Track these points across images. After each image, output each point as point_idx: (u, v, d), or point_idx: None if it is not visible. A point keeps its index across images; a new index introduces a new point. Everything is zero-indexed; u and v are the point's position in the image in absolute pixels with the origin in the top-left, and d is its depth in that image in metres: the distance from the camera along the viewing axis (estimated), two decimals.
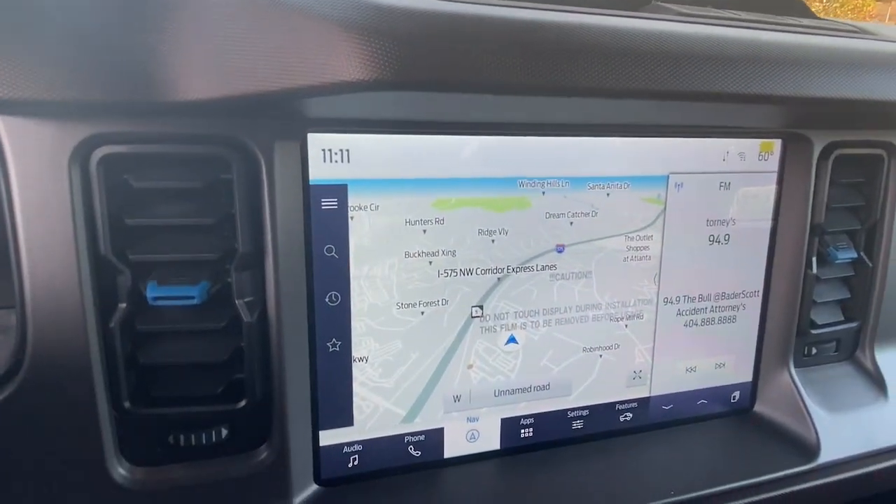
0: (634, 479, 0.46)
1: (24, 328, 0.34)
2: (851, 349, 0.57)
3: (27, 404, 0.34)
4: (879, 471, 0.50)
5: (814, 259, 0.52)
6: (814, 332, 0.53)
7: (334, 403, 0.41)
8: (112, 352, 0.35)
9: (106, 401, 0.35)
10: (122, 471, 0.36)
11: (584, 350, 0.47)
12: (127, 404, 0.36)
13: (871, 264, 0.54)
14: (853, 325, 0.55)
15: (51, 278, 0.33)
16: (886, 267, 0.55)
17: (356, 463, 0.43)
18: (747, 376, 0.54)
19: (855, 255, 0.53)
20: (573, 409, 0.48)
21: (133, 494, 0.36)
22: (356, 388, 0.42)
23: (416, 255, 0.41)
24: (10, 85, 0.29)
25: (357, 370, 0.41)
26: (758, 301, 0.52)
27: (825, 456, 0.49)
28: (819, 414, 0.51)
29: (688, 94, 0.35)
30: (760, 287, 0.52)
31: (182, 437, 0.38)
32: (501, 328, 0.44)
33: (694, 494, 0.45)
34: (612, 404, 0.49)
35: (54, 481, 0.35)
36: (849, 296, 0.55)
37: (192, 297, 0.35)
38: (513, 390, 0.46)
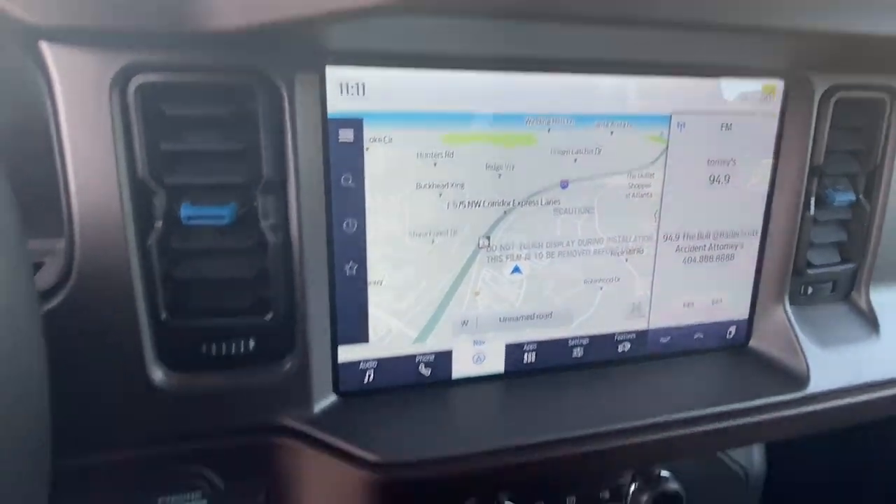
0: (632, 402, 0.49)
1: (71, 244, 0.37)
2: (847, 290, 0.59)
3: (75, 313, 0.38)
4: (866, 402, 0.53)
5: (812, 200, 0.53)
6: (810, 272, 0.55)
7: (351, 322, 0.45)
8: (150, 268, 0.39)
9: (145, 312, 0.39)
10: (160, 374, 0.40)
11: (586, 282, 0.50)
12: (164, 315, 0.40)
13: (869, 208, 0.56)
14: (850, 266, 0.57)
15: (95, 198, 0.37)
16: (885, 211, 0.56)
17: (371, 378, 0.47)
18: (743, 313, 0.56)
19: (853, 198, 0.55)
20: (574, 338, 0.51)
21: (170, 396, 0.40)
22: (371, 309, 0.45)
23: (427, 186, 0.44)
24: (56, 11, 0.32)
25: (372, 292, 0.45)
26: (756, 240, 0.54)
27: (814, 386, 0.52)
28: (811, 348, 0.54)
29: (690, 22, 0.36)
30: (759, 227, 0.54)
31: (214, 347, 0.42)
32: (507, 258, 0.47)
33: (686, 415, 0.48)
34: (612, 335, 0.52)
35: (100, 382, 0.39)
36: (846, 238, 0.57)
37: (223, 217, 0.38)
38: (517, 317, 0.49)
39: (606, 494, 0.51)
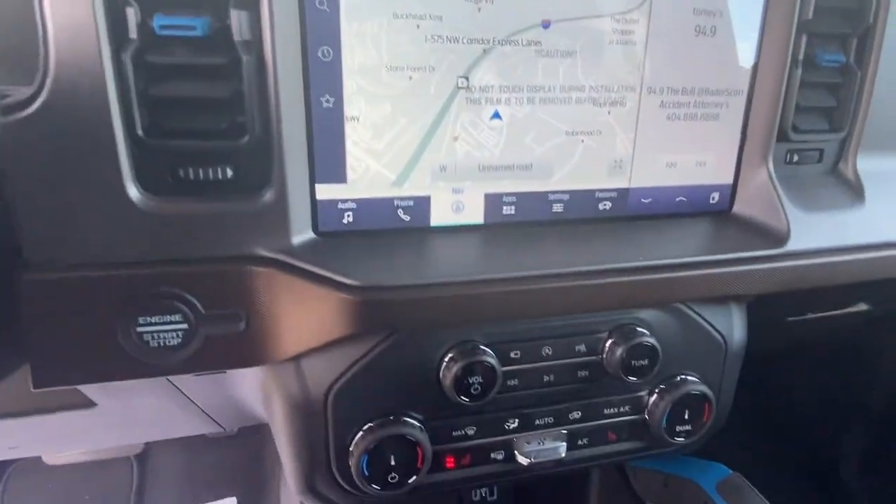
0: (611, 252, 0.50)
1: (46, 55, 0.37)
2: (835, 160, 0.59)
3: (50, 123, 0.38)
4: (845, 263, 0.53)
5: (800, 58, 0.53)
6: (795, 136, 0.55)
7: (329, 158, 0.45)
8: (125, 81, 0.39)
9: (121, 126, 0.39)
10: (137, 194, 0.41)
11: (567, 133, 0.50)
12: (140, 133, 0.40)
13: (859, 73, 0.55)
14: (838, 134, 0.57)
15: (69, 9, 0.37)
16: (875, 75, 0.55)
17: (350, 220, 0.47)
18: (727, 178, 0.56)
19: (843, 60, 0.54)
20: (554, 192, 0.51)
21: (147, 217, 0.41)
22: (349, 146, 0.45)
23: (405, 17, 0.43)
24: None
25: (349, 128, 0.45)
26: (742, 100, 0.54)
27: (793, 245, 0.52)
28: (793, 211, 0.54)
29: None
30: (745, 86, 0.53)
31: (192, 172, 0.42)
32: (486, 102, 0.47)
33: (663, 261, 0.48)
34: (592, 191, 0.53)
35: (78, 196, 0.39)
36: (835, 104, 0.56)
37: (195, 28, 0.38)
38: (496, 167, 0.49)
39: (583, 348, 0.52)
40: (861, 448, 1.10)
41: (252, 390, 0.59)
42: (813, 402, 1.14)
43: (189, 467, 1.21)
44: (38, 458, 1.17)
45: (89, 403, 0.61)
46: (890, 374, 1.02)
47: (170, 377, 0.60)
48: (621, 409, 0.56)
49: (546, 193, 0.51)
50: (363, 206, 0.47)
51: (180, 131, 0.41)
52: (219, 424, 0.77)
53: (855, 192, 0.57)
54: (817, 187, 0.57)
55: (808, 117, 0.55)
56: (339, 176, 0.46)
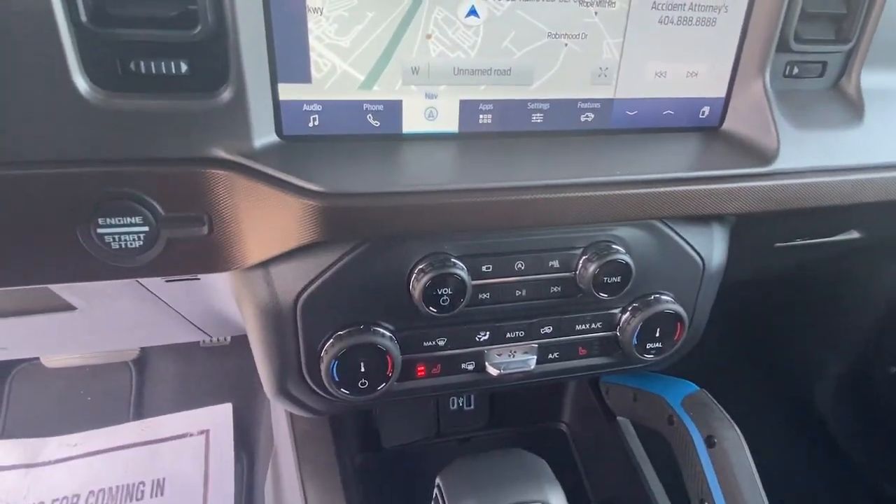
0: (591, 166, 0.48)
1: None
2: (837, 75, 0.55)
3: None
4: (833, 184, 0.51)
5: None
6: (798, 47, 0.51)
7: (290, 55, 0.42)
8: None
9: (63, 13, 0.37)
10: (86, 86, 0.39)
11: (549, 35, 0.47)
12: (84, 19, 0.37)
13: None
14: (844, 46, 0.53)
15: None
16: None
17: (316, 123, 0.45)
18: (719, 92, 0.53)
19: None
20: (533, 101, 0.49)
21: (99, 111, 0.39)
22: (312, 42, 0.42)
23: None
24: None
25: (312, 22, 0.42)
26: (743, 5, 0.49)
27: (781, 163, 0.50)
28: (785, 128, 0.51)
29: None
30: None
31: (143, 65, 0.40)
32: None
33: (643, 176, 0.47)
34: (574, 101, 0.50)
35: (23, 88, 0.37)
36: (845, 11, 0.52)
37: None
38: (472, 70, 0.46)
39: (556, 263, 0.51)
40: (836, 379, 1.13)
41: (229, 299, 0.60)
42: (792, 331, 1.16)
43: (185, 375, 1.26)
44: (39, 362, 1.21)
45: (69, 307, 0.62)
46: (873, 305, 1.03)
47: (145, 284, 0.61)
48: (593, 326, 0.56)
49: (525, 102, 0.49)
50: (330, 108, 0.45)
51: (127, 19, 0.38)
52: (204, 332, 0.79)
53: (855, 109, 0.54)
54: (815, 104, 0.54)
55: (813, 25, 0.51)
56: (302, 75, 0.43)
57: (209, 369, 1.26)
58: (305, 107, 0.44)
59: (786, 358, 1.21)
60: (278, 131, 0.44)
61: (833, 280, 1.05)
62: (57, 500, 1.12)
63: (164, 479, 1.15)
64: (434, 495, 0.48)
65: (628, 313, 0.55)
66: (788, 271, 0.93)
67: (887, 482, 1.08)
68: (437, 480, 0.48)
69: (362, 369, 0.49)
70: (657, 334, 0.55)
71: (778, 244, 0.71)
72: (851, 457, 1.12)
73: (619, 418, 0.77)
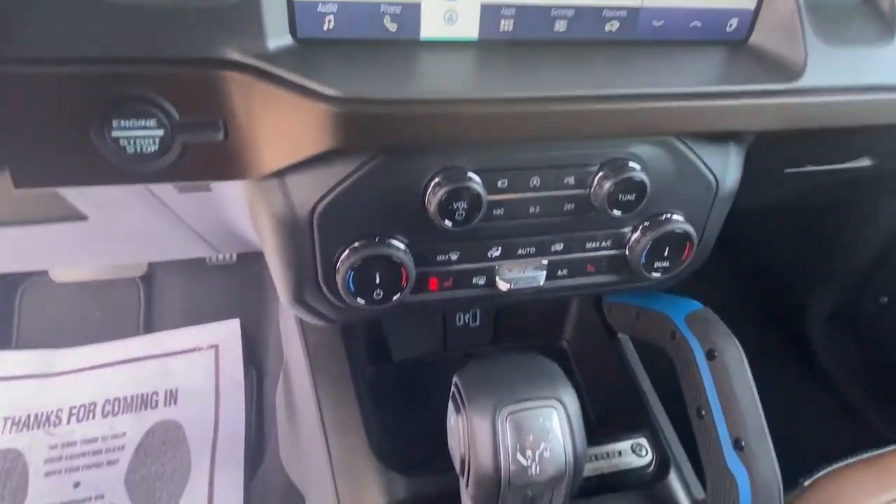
0: (612, 78, 0.47)
1: None
2: None
3: None
4: (861, 103, 0.50)
5: None
6: None
7: None
8: None
9: None
10: None
11: None
12: None
13: None
14: None
15: None
16: None
17: (332, 25, 0.43)
18: (749, 3, 0.51)
19: None
20: (558, 7, 0.47)
21: (111, 8, 0.37)
22: None
23: None
24: None
25: None
26: None
27: (807, 80, 0.49)
28: (814, 43, 0.49)
29: None
30: None
31: None
32: None
33: (663, 90, 0.46)
34: (600, 9, 0.48)
35: None
36: None
37: None
38: None
39: (571, 180, 0.51)
40: (828, 309, 1.16)
41: (241, 213, 0.60)
42: (789, 257, 1.18)
43: (192, 291, 1.28)
44: (48, 277, 1.23)
45: (81, 216, 0.62)
46: (869, 238, 1.04)
47: (158, 194, 0.61)
48: (603, 244, 0.56)
49: (549, 8, 0.47)
50: (345, 9, 0.43)
51: None
52: (213, 247, 0.80)
53: (888, 26, 0.52)
54: (846, 19, 0.52)
55: None
56: None
57: (216, 287, 1.28)
58: (320, 7, 0.42)
59: (781, 286, 1.24)
60: (293, 32, 0.43)
61: (832, 212, 1.06)
62: (74, 406, 1.17)
63: (176, 390, 1.20)
64: (451, 393, 0.50)
65: (639, 232, 0.56)
66: (789, 201, 0.94)
67: (872, 409, 1.13)
68: (455, 379, 0.50)
69: (377, 280, 0.50)
70: (666, 253, 0.56)
71: (788, 170, 0.70)
72: (839, 383, 1.17)
73: (619, 335, 0.79)
